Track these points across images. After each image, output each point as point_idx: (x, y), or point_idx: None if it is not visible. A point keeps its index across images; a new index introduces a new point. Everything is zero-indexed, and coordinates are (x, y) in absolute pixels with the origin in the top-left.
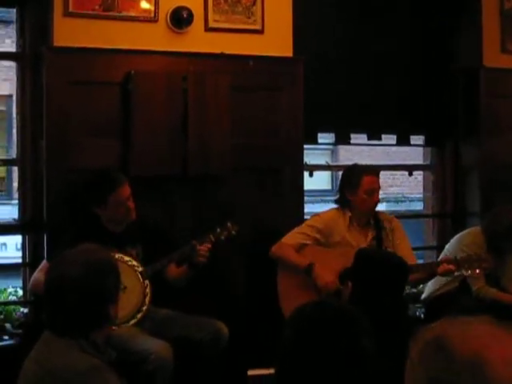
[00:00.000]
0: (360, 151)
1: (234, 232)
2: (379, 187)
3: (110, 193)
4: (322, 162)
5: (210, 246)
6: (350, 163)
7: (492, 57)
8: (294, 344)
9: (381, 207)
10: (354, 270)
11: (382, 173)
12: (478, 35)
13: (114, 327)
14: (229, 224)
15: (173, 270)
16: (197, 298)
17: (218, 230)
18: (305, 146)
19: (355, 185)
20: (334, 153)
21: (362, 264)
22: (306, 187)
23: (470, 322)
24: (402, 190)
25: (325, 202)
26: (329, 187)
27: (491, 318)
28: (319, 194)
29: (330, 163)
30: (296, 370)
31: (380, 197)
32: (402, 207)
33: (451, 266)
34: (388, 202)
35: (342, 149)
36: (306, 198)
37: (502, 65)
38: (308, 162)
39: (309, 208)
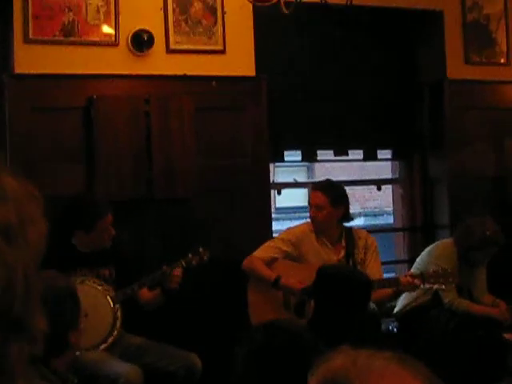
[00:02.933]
0: (336, 167)
1: (205, 258)
2: (317, 204)
3: (100, 218)
4: (298, 178)
5: (181, 271)
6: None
7: (456, 69)
8: (244, 371)
9: (359, 222)
10: (316, 287)
11: (358, 188)
12: (441, 48)
13: (77, 352)
14: (200, 249)
15: (145, 293)
16: (168, 321)
17: (190, 255)
18: (279, 164)
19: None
20: (309, 169)
21: (323, 282)
22: (281, 204)
23: (374, 357)
24: (380, 203)
25: (301, 218)
26: (305, 204)
27: (396, 354)
28: (295, 210)
29: (307, 180)
30: None
31: (357, 211)
32: (379, 221)
33: (416, 281)
34: (366, 216)
35: (319, 165)
36: (282, 215)
37: (466, 76)
38: (280, 180)
39: (285, 225)
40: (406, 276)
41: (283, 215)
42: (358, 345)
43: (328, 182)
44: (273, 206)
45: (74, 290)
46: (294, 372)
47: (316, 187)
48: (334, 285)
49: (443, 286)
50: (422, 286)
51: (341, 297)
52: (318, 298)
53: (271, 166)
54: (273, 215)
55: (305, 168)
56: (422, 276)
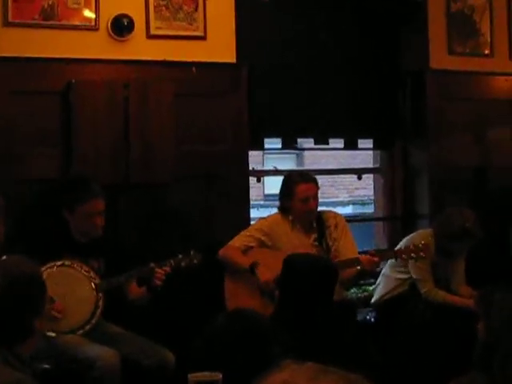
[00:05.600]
0: (324, 155)
1: (195, 261)
2: (315, 193)
3: (80, 202)
4: (289, 166)
5: (167, 270)
6: (316, 167)
7: (439, 59)
8: (201, 354)
9: (347, 210)
10: (281, 277)
11: (346, 176)
12: (425, 37)
13: (53, 334)
14: (192, 252)
15: (134, 289)
16: (149, 313)
17: (180, 256)
18: (272, 151)
19: (290, 194)
20: (298, 157)
21: (288, 271)
22: (272, 191)
23: (320, 371)
24: (369, 192)
25: None
26: None
27: (343, 375)
28: None
29: (296, 167)
30: None
31: (346, 199)
32: (368, 209)
33: (375, 258)
34: (354, 204)
35: (308, 152)
36: (271, 203)
37: (449, 67)
38: (267, 167)
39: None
40: (365, 254)
41: (272, 202)
42: (328, 335)
43: (306, 173)
44: (261, 193)
45: (39, 275)
46: (248, 359)
47: (307, 179)
48: (298, 274)
49: (413, 259)
50: (380, 263)
51: (304, 285)
52: (281, 287)
53: (259, 153)
54: (261, 202)
55: (294, 156)
56: (394, 252)
